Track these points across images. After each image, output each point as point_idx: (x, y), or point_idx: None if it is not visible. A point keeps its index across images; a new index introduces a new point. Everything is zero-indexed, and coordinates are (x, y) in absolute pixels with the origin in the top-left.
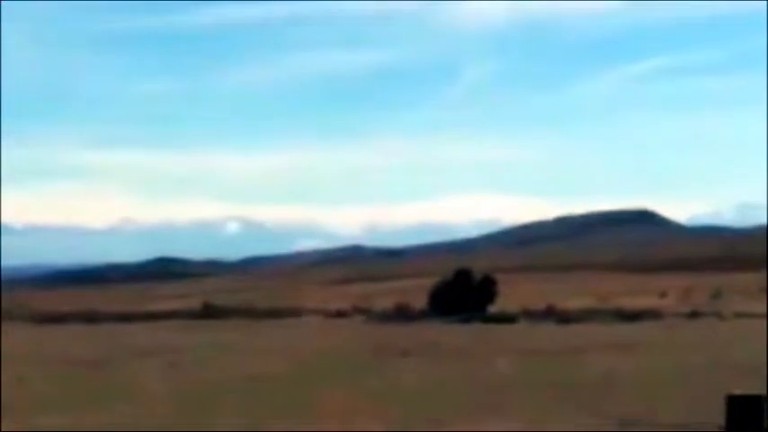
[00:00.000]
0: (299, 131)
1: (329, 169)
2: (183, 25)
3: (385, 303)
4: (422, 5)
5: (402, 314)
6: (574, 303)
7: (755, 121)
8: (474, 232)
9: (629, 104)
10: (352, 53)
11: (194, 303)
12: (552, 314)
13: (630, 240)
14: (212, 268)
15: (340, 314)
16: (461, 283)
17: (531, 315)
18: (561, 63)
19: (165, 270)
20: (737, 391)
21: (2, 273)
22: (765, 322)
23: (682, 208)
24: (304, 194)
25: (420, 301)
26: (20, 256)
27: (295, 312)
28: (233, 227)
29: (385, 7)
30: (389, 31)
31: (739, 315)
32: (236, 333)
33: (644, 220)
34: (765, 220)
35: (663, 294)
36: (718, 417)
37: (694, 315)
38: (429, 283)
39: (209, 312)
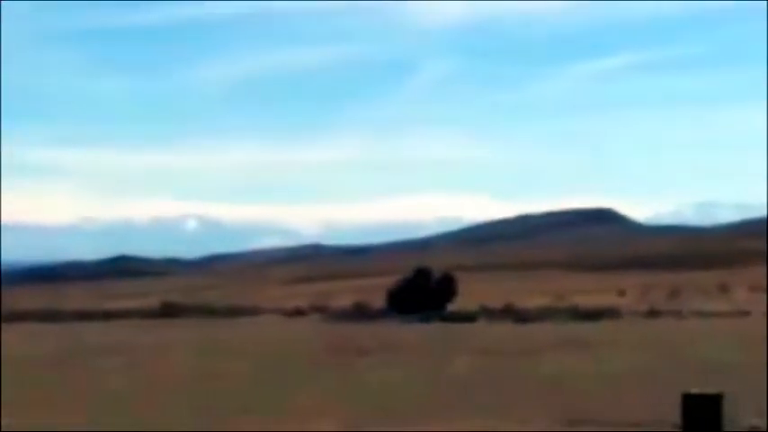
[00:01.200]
0: (259, 129)
1: (289, 167)
2: (141, 24)
3: (344, 302)
4: (382, 2)
5: (360, 313)
6: (532, 302)
7: (715, 120)
8: (434, 231)
9: (590, 103)
10: (312, 50)
11: (153, 302)
12: (511, 313)
13: (590, 239)
14: (171, 267)
15: (298, 313)
16: (420, 282)
17: (490, 313)
18: (522, 61)
19: (123, 268)
20: (694, 390)
21: None
22: (723, 321)
23: (641, 207)
24: (263, 192)
25: (380, 300)
26: None
27: (254, 311)
28: (192, 225)
29: (344, 3)
30: (349, 28)
31: (697, 314)
32: (195, 332)
33: (604, 218)
34: (724, 219)
35: (621, 293)
36: (676, 415)
37: (652, 314)
38: (389, 281)
39: (167, 311)
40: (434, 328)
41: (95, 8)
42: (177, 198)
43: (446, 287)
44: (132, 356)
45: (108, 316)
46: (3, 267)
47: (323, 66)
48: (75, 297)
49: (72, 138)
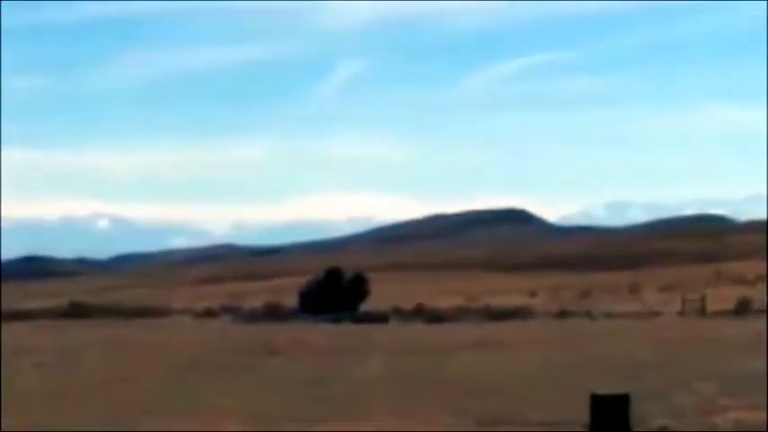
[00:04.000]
0: (170, 128)
1: (200, 167)
2: (56, 21)
3: (256, 302)
4: (296, 2)
5: (271, 313)
6: (445, 302)
7: (625, 119)
8: (346, 230)
9: (502, 103)
10: (224, 49)
11: (62, 302)
12: (423, 313)
13: (501, 239)
14: (81, 266)
15: (209, 313)
16: (332, 283)
17: (402, 314)
18: (434, 61)
19: (32, 268)
20: (602, 391)
21: None
22: (634, 321)
23: (553, 207)
24: (174, 192)
25: (291, 301)
26: None
27: (164, 312)
28: (102, 225)
29: (258, 3)
30: (262, 28)
31: (608, 314)
32: (105, 332)
33: (515, 218)
34: (635, 220)
35: (533, 293)
36: (587, 415)
37: (563, 314)
38: (301, 282)
39: (76, 311)
40: (346, 329)
41: (15, 4)
42: (87, 197)
43: (358, 287)
44: (41, 358)
45: (16, 317)
46: None
47: (235, 65)
48: None
49: None
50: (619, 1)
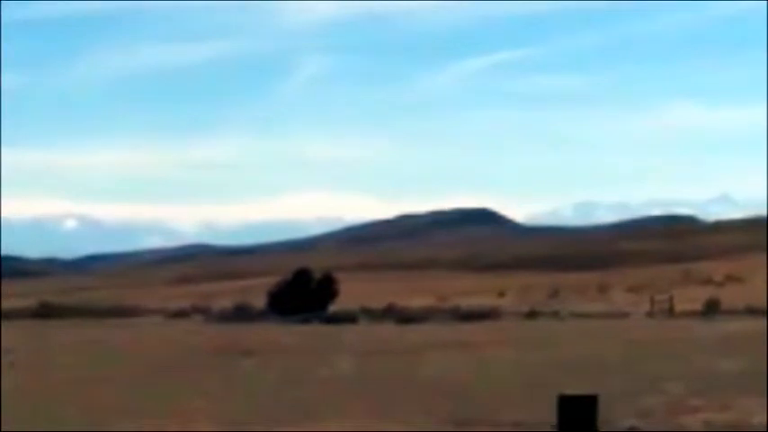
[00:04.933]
0: (140, 128)
1: (171, 166)
2: (21, 19)
3: (226, 303)
4: (259, 1)
5: (241, 314)
6: (414, 302)
7: (593, 120)
8: (316, 231)
9: (470, 102)
10: (191, 48)
11: (31, 302)
12: (392, 313)
13: (470, 239)
14: (50, 267)
15: (180, 314)
16: (301, 283)
17: (372, 314)
18: (402, 59)
19: (1, 268)
20: (570, 392)
21: None
22: (602, 321)
23: (520, 207)
24: (145, 192)
25: (261, 301)
26: None
27: (135, 312)
28: (71, 224)
29: (223, 2)
30: (226, 26)
31: (576, 315)
32: (75, 333)
33: (484, 219)
34: (603, 220)
35: (502, 294)
36: (554, 416)
37: (532, 314)
38: (270, 282)
39: (46, 312)
40: (315, 329)
41: None
42: (56, 197)
43: (327, 288)
44: (11, 358)
45: None
46: None
47: (203, 64)
48: None
49: None
50: (590, 1)
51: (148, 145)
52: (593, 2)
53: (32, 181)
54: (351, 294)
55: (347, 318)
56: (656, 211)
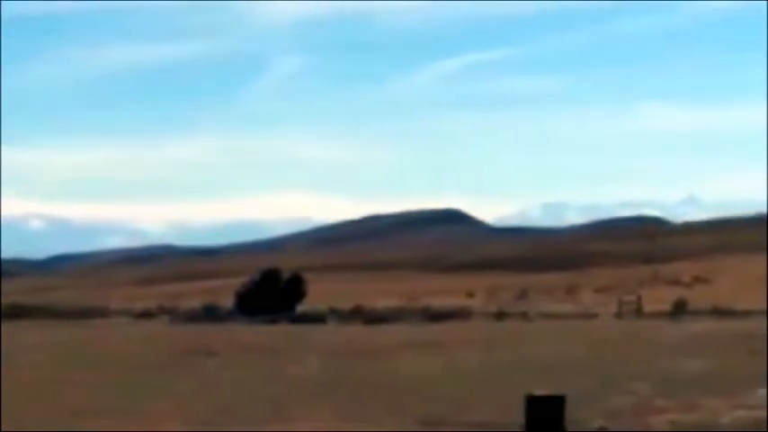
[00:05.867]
0: (107, 127)
1: (138, 166)
2: None
3: (194, 303)
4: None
5: (209, 314)
6: (383, 303)
7: (562, 120)
8: (284, 231)
9: (439, 102)
10: (161, 47)
11: None
12: (360, 314)
13: (439, 240)
14: (15, 267)
15: (146, 314)
16: (268, 283)
17: (340, 314)
18: (371, 60)
19: None
20: (538, 392)
21: None
22: (570, 322)
23: (489, 208)
24: (111, 191)
25: (229, 301)
26: None
27: (101, 312)
28: (37, 224)
29: (195, 2)
30: (198, 26)
31: (544, 315)
32: (41, 334)
33: (452, 220)
34: (572, 221)
35: (470, 294)
36: (522, 416)
37: (500, 315)
38: (238, 282)
39: (13, 312)
40: (283, 329)
41: None
42: (21, 197)
43: (295, 288)
44: None
45: None
46: None
47: (172, 64)
48: None
49: None
50: (558, 1)
51: (117, 144)
52: (564, 4)
53: None
54: (319, 295)
55: (315, 318)
56: (625, 213)
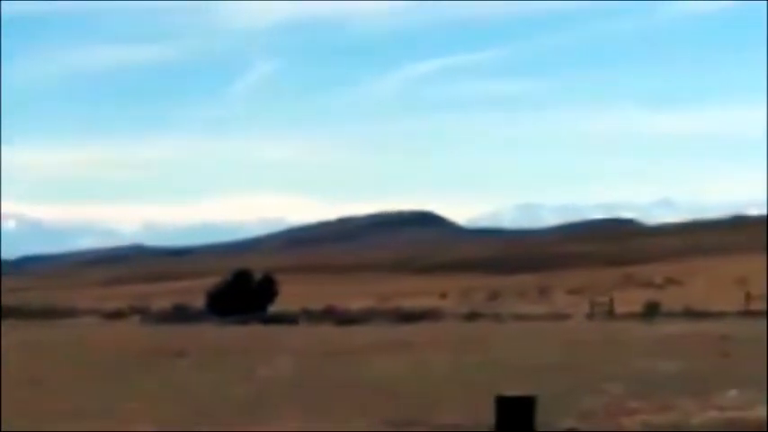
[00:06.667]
0: (79, 128)
1: (110, 167)
2: None
3: (165, 304)
4: (207, 1)
5: (180, 314)
6: (355, 304)
7: (536, 122)
8: (257, 232)
9: (412, 105)
10: (136, 49)
11: None
12: (332, 314)
13: (411, 241)
14: None
15: (117, 314)
16: (240, 284)
17: (312, 315)
18: (345, 63)
19: None
20: (508, 393)
21: None
22: (543, 324)
23: (462, 209)
24: (83, 192)
25: (200, 302)
26: None
27: (72, 313)
28: (9, 225)
29: (168, 3)
30: (174, 28)
31: (517, 316)
32: (12, 334)
33: (425, 221)
34: (544, 222)
35: (443, 295)
36: (493, 418)
37: (473, 316)
38: (210, 283)
39: None
40: (254, 330)
41: None
42: None
43: (267, 289)
44: None
45: None
46: None
47: (147, 64)
48: None
49: None
50: (530, 1)
51: (90, 145)
52: (537, 6)
53: None
54: (291, 295)
55: (287, 319)
56: (598, 214)
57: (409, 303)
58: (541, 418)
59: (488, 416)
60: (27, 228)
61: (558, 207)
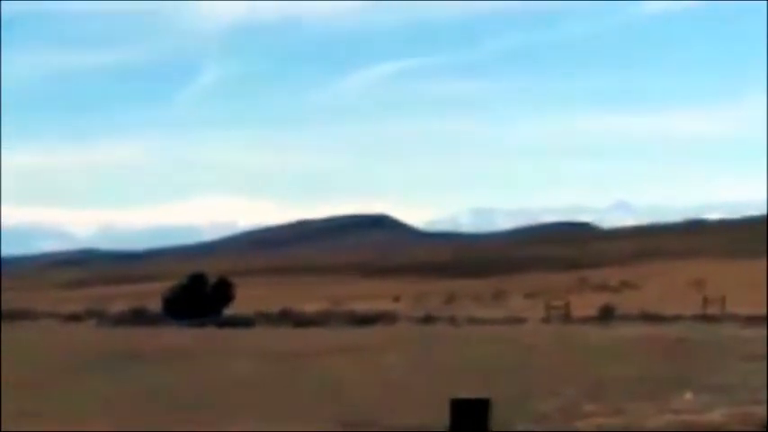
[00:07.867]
0: (36, 131)
1: (66, 170)
2: None
3: (121, 307)
4: (160, 4)
5: (137, 318)
6: (310, 307)
7: (491, 125)
8: (212, 235)
9: (367, 108)
10: (90, 51)
11: None
12: (288, 317)
13: (367, 244)
14: None
15: (73, 317)
16: (196, 287)
17: (267, 318)
18: (303, 65)
19: None
20: (463, 395)
21: None
22: (498, 327)
23: (418, 213)
24: (39, 195)
25: (156, 305)
26: None
27: (28, 315)
28: None
29: (122, 4)
30: (128, 30)
31: (472, 320)
32: None
33: (381, 224)
34: (500, 226)
35: (397, 298)
36: (447, 420)
37: (428, 319)
38: (166, 286)
39: None
40: (210, 333)
41: None
42: None
43: (222, 292)
44: None
45: None
46: None
47: (101, 68)
48: None
49: None
50: (489, 1)
51: (45, 148)
52: (494, 8)
53: None
54: (247, 299)
55: (243, 322)
56: (554, 218)
57: (364, 306)
58: (496, 420)
59: (443, 418)
60: None
61: (514, 211)
